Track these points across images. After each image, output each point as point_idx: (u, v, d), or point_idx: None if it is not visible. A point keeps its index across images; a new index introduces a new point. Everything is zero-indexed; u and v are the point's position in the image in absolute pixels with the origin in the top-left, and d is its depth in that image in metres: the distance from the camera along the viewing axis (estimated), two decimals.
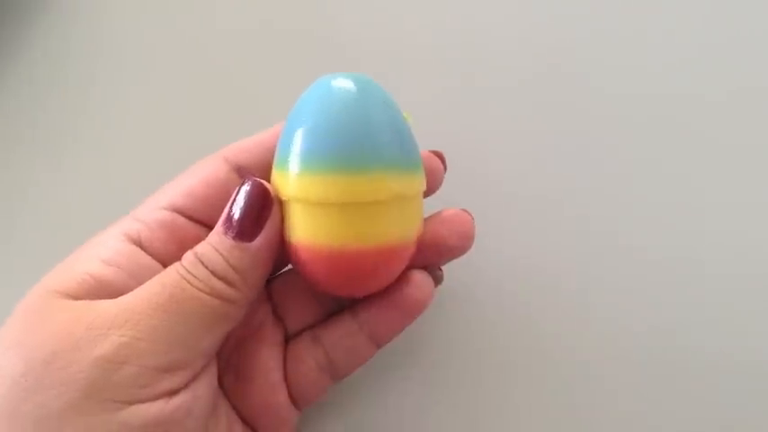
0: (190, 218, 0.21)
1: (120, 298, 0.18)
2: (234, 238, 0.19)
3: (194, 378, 0.19)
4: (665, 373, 0.25)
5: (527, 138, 0.28)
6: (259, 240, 0.19)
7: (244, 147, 0.22)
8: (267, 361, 0.22)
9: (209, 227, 0.22)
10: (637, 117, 0.28)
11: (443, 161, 0.23)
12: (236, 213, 0.19)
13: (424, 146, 0.22)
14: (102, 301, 0.18)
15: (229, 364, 0.22)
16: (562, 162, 0.28)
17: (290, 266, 0.24)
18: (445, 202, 0.23)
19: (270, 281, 0.23)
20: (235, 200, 0.20)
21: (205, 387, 0.19)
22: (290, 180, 0.20)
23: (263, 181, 0.20)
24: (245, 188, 0.20)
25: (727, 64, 0.28)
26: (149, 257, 0.20)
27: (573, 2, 0.30)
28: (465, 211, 0.22)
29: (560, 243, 0.27)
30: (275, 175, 0.21)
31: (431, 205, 0.23)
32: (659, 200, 0.27)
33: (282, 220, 0.20)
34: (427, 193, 0.23)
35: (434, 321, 0.26)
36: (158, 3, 0.32)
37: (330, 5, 0.31)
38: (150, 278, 0.19)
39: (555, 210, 0.27)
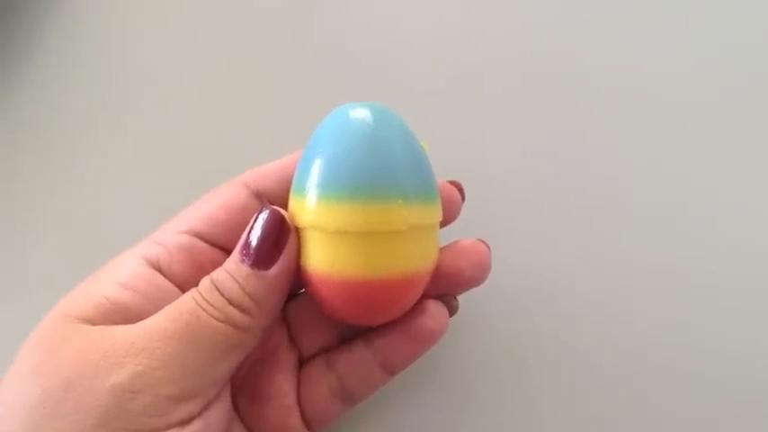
0: (209, 242, 0.22)
1: (136, 324, 0.19)
2: (251, 265, 0.19)
3: (207, 406, 0.19)
4: (684, 383, 0.25)
5: (543, 165, 0.28)
6: (275, 269, 0.19)
7: (263, 173, 0.22)
8: (281, 384, 0.22)
9: (229, 252, 0.22)
10: (650, 123, 0.28)
11: (461, 191, 0.23)
12: (254, 241, 0.19)
13: (438, 170, 0.22)
14: (119, 326, 0.19)
15: (244, 385, 0.22)
16: (575, 179, 0.28)
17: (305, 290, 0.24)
18: (461, 226, 0.23)
19: (285, 303, 0.23)
20: (252, 227, 0.20)
21: (218, 415, 0.19)
22: (306, 208, 0.20)
23: (280, 209, 0.20)
24: (263, 216, 0.20)
25: (732, 65, 0.28)
26: (167, 281, 0.21)
27: (588, 28, 0.30)
28: (482, 241, 0.22)
29: (572, 254, 0.27)
30: (292, 202, 0.21)
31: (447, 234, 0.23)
32: (672, 206, 0.27)
33: (299, 248, 0.20)
34: (444, 223, 0.23)
35: (450, 344, 0.26)
36: (181, 25, 0.32)
37: (349, 33, 0.31)
38: (168, 302, 0.19)
39: (566, 221, 0.27)
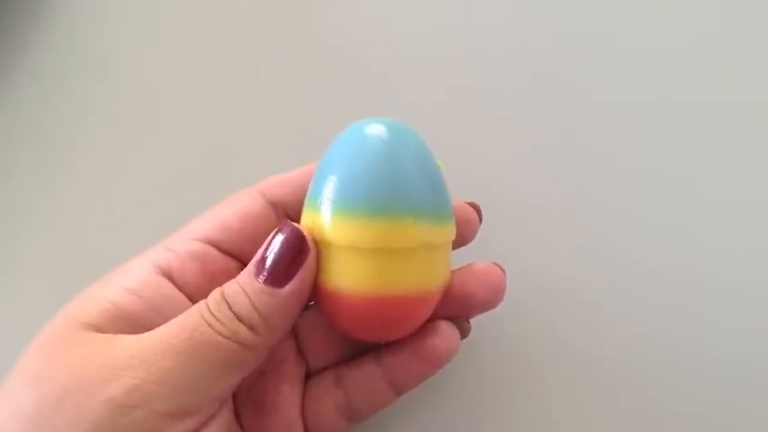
0: (222, 251, 0.21)
1: (140, 336, 0.18)
2: (264, 282, 0.19)
3: (205, 424, 0.19)
4: (690, 385, 0.25)
5: (557, 175, 0.28)
6: (289, 287, 0.19)
7: (281, 182, 0.22)
8: (287, 396, 0.22)
9: (242, 261, 0.22)
10: (653, 128, 0.28)
11: (479, 213, 0.23)
12: (270, 257, 0.19)
13: (453, 186, 0.22)
14: (123, 336, 0.18)
15: (249, 396, 0.22)
16: (589, 189, 0.28)
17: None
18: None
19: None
20: (270, 242, 0.19)
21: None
22: (318, 222, 0.20)
23: (301, 227, 0.20)
24: (282, 234, 0.19)
25: (735, 68, 0.29)
26: (176, 289, 0.20)
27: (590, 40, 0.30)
28: (496, 264, 0.22)
29: (582, 261, 0.27)
30: (305, 215, 0.21)
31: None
32: (677, 209, 0.27)
33: (317, 268, 0.20)
34: (461, 244, 0.23)
35: (460, 362, 0.25)
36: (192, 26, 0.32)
37: (366, 47, 0.31)
38: (174, 311, 0.19)
39: (575, 229, 0.27)
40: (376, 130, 0.20)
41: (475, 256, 0.23)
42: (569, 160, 0.28)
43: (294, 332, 0.23)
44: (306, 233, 0.20)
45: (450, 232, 0.21)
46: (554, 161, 0.28)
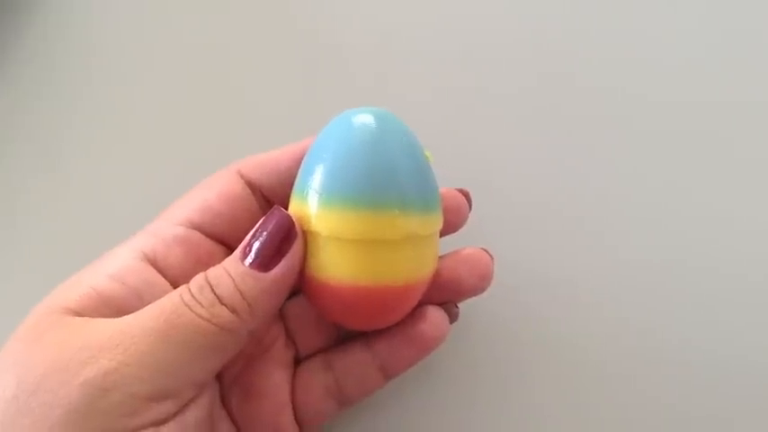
0: (207, 234, 0.21)
1: (119, 318, 0.18)
2: (250, 265, 0.19)
3: (184, 408, 0.19)
4: (685, 381, 0.25)
5: (546, 168, 0.28)
6: (275, 272, 0.19)
7: (258, 162, 0.22)
8: (276, 380, 0.22)
9: (225, 244, 0.22)
10: (651, 126, 0.28)
11: (469, 200, 0.23)
12: (257, 242, 0.19)
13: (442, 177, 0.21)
14: (101, 320, 0.18)
15: (237, 381, 0.22)
16: (578, 181, 0.28)
17: None
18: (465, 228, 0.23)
19: (285, 301, 0.23)
20: (258, 228, 0.19)
21: (195, 417, 0.19)
22: (306, 212, 0.20)
23: (289, 214, 0.20)
24: (270, 219, 0.19)
25: (735, 69, 0.28)
26: (159, 276, 0.20)
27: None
28: (484, 250, 0.22)
29: (573, 253, 0.27)
30: (293, 205, 0.21)
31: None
32: (668, 206, 0.27)
33: (304, 255, 0.20)
34: (450, 231, 0.23)
35: (451, 347, 0.25)
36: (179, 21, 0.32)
37: (352, 35, 0.31)
38: (157, 297, 0.19)
39: (568, 222, 0.27)
40: (364, 119, 0.20)
41: (467, 243, 0.23)
42: (559, 149, 0.28)
43: (283, 317, 0.23)
44: (294, 219, 0.19)
45: (437, 222, 0.21)
46: (544, 150, 0.28)
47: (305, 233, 0.20)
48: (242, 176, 0.22)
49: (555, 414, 0.25)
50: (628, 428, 0.25)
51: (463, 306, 0.23)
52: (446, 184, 0.22)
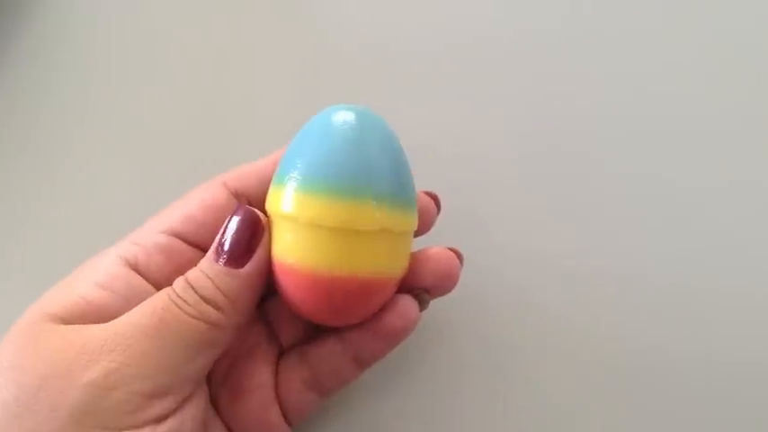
0: (188, 242, 0.22)
1: (110, 322, 0.19)
2: (225, 264, 0.20)
3: (182, 404, 0.19)
4: (679, 382, 0.25)
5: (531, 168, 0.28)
6: (248, 267, 0.20)
7: (243, 173, 0.23)
8: (261, 377, 0.22)
9: (207, 251, 0.22)
10: (651, 126, 0.28)
11: (437, 203, 0.23)
12: (227, 240, 0.20)
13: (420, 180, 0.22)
14: (93, 325, 0.19)
15: (224, 381, 0.22)
16: (566, 178, 0.28)
17: None
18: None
19: (266, 300, 0.24)
20: (227, 227, 0.20)
21: (193, 412, 0.20)
22: (282, 198, 0.20)
23: (254, 209, 0.20)
24: (237, 216, 0.20)
25: (735, 71, 0.29)
26: (145, 282, 0.21)
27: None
28: (452, 249, 0.22)
29: (569, 258, 0.27)
30: (271, 191, 0.21)
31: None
32: (667, 205, 0.27)
33: (271, 243, 0.21)
34: (418, 233, 0.23)
35: (435, 333, 0.26)
36: (168, 25, 0.32)
37: (335, 33, 0.31)
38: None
39: (549, 208, 0.27)
40: (344, 115, 0.20)
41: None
42: (556, 150, 0.28)
43: (265, 316, 0.24)
44: (259, 213, 0.20)
45: (412, 221, 0.21)
46: (530, 144, 0.28)
47: (280, 219, 0.20)
48: (228, 187, 0.22)
49: (543, 408, 0.25)
50: (624, 425, 0.25)
51: (457, 302, 0.23)
52: (435, 184, 0.23)
